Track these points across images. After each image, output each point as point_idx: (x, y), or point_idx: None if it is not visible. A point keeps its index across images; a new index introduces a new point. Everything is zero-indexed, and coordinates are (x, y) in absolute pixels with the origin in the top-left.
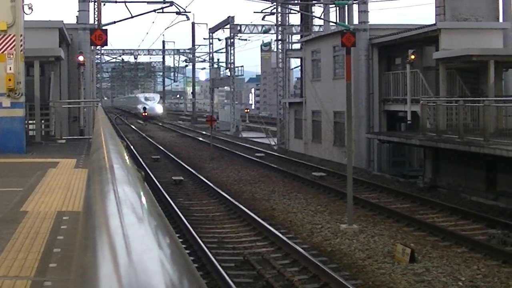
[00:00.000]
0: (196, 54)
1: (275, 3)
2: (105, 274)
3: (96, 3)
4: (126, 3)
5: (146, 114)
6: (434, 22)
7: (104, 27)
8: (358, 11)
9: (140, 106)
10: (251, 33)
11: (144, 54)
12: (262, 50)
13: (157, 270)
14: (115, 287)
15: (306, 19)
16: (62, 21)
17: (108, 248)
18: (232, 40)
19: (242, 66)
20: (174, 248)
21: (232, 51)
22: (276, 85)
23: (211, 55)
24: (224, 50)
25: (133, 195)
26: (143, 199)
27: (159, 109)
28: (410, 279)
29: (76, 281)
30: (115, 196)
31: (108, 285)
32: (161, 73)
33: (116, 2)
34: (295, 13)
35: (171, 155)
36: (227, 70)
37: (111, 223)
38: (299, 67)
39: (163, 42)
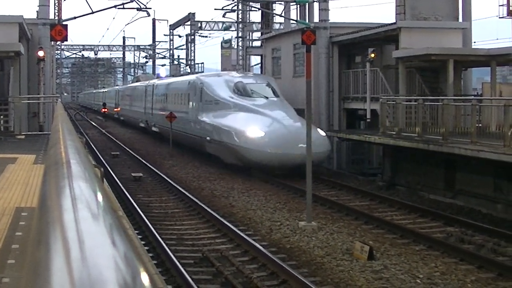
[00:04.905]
0: (157, 51)
1: (235, 0)
2: (57, 268)
3: None
4: None
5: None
6: (394, 21)
7: (64, 22)
8: (319, 9)
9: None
10: (212, 30)
11: (105, 50)
12: (222, 47)
13: (109, 265)
14: (66, 281)
15: (267, 17)
16: (22, 16)
17: (61, 243)
18: (192, 36)
19: (203, 63)
20: (127, 244)
21: (192, 48)
22: None
23: (171, 52)
24: (184, 47)
25: (89, 191)
26: (99, 195)
27: (323, 142)
28: (369, 276)
29: (28, 275)
30: (70, 191)
31: (59, 279)
32: (121, 69)
33: None
34: (256, 11)
35: (130, 151)
36: (188, 66)
37: (65, 218)
38: (259, 65)
39: (124, 38)
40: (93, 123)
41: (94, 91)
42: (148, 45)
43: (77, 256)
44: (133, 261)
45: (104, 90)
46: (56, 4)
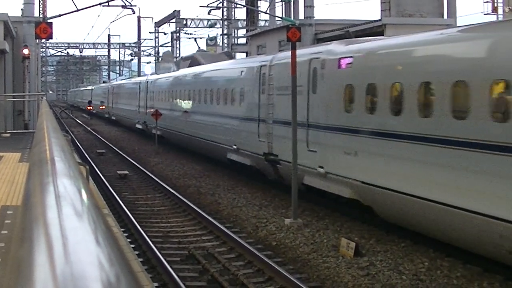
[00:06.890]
0: (142, 48)
1: None
2: (39, 264)
3: None
4: None
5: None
6: (379, 17)
7: (49, 20)
8: (304, 6)
9: None
10: (197, 27)
11: (90, 48)
12: (207, 45)
13: (92, 262)
14: (49, 277)
15: (252, 14)
16: (7, 13)
17: (44, 240)
18: (177, 34)
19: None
20: (112, 242)
21: (177, 45)
22: None
23: (156, 49)
24: (169, 44)
25: (73, 188)
26: (83, 193)
27: None
28: (355, 273)
29: (11, 271)
30: (54, 189)
31: (42, 275)
32: (106, 67)
33: None
34: (241, 8)
35: (116, 149)
36: None
37: (48, 215)
38: None
39: (109, 35)
40: (78, 121)
41: (91, 87)
42: (133, 43)
43: (60, 253)
44: (117, 258)
45: (109, 85)
46: (41, 2)
